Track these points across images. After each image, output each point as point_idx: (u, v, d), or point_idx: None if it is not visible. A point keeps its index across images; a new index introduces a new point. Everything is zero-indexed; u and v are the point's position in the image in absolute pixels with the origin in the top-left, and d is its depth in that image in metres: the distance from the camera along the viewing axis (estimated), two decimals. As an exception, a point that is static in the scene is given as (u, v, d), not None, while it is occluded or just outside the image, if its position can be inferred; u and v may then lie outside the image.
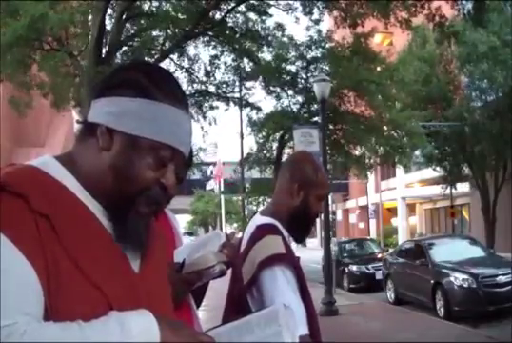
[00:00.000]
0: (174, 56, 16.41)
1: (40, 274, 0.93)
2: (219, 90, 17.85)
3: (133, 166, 1.06)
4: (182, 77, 16.86)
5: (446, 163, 22.61)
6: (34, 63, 13.53)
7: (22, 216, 0.96)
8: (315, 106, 17.13)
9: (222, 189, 35.01)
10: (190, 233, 43.80)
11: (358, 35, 16.52)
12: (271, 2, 15.95)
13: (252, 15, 16.08)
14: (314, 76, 15.85)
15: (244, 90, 18.37)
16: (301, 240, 2.14)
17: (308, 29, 17.48)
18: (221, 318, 1.77)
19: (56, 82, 13.86)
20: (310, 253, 24.86)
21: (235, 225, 44.34)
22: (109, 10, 13.40)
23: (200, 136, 18.20)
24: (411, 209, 37.85)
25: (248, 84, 18.43)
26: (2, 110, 17.11)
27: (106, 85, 1.10)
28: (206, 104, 17.76)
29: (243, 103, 18.73)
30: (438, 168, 23.07)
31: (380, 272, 13.81)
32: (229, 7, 14.83)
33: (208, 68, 17.17)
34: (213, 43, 16.62)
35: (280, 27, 16.71)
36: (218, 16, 14.95)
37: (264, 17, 16.26)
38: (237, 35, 15.92)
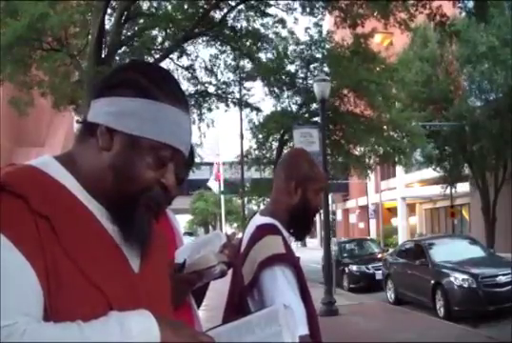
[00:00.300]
0: (174, 56, 16.42)
1: (40, 275, 0.93)
2: (219, 91, 17.84)
3: (133, 166, 1.06)
4: (182, 77, 16.88)
5: (446, 163, 22.60)
6: (34, 63, 13.53)
7: (22, 217, 0.96)
8: (315, 106, 17.12)
9: (222, 189, 34.96)
10: (190, 233, 43.71)
11: (358, 36, 16.52)
12: (271, 2, 15.95)
13: (252, 14, 16.06)
14: (314, 76, 15.84)
15: (243, 91, 18.38)
16: (302, 238, 2.13)
17: (308, 29, 17.50)
18: (221, 318, 1.77)
19: (56, 82, 13.86)
20: (310, 253, 24.88)
21: (235, 225, 44.36)
22: (109, 10, 13.38)
23: (198, 137, 18.16)
24: (411, 209, 37.85)
25: (248, 84, 18.47)
26: (2, 111, 17.13)
27: (105, 85, 1.10)
28: (205, 105, 17.74)
29: (242, 103, 18.71)
30: (438, 168, 23.05)
31: (380, 272, 13.79)
32: (229, 7, 14.83)
33: (208, 68, 17.18)
34: (213, 43, 16.61)
35: (281, 21, 16.60)
36: (218, 16, 14.95)
37: (263, 17, 16.25)
38: (237, 35, 15.91)
